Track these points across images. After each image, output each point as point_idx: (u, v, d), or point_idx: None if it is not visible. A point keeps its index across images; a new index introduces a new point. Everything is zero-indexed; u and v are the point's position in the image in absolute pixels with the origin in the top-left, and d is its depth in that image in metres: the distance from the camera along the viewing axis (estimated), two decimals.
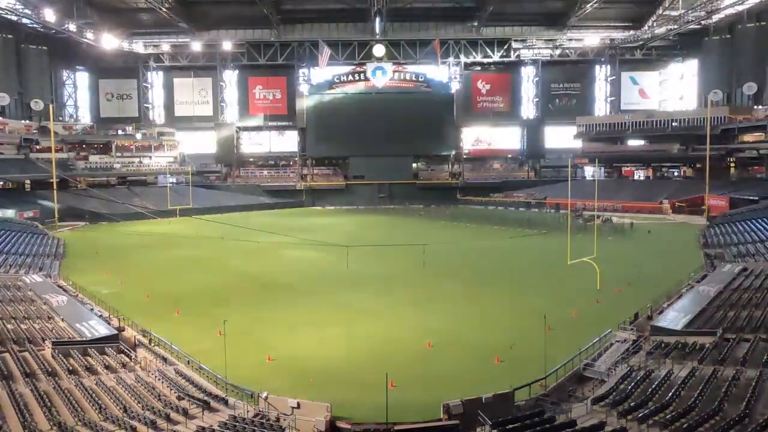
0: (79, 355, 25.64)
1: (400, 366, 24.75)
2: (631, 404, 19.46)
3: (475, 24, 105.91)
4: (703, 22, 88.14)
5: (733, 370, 21.80)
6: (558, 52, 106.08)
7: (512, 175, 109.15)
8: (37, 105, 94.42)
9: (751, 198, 71.08)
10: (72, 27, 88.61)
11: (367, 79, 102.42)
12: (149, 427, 18.71)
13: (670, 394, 19.94)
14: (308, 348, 27.88)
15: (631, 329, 28.97)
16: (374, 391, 21.46)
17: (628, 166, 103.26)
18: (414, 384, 22.95)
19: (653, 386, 20.88)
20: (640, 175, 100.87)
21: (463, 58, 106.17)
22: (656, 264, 46.21)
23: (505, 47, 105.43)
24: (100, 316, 32.01)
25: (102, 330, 28.71)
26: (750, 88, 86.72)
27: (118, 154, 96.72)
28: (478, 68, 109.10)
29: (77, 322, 29.95)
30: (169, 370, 24.75)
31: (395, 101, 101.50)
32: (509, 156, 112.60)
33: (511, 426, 18.55)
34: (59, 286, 39.78)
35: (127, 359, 25.85)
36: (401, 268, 45.72)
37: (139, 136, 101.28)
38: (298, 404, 20.02)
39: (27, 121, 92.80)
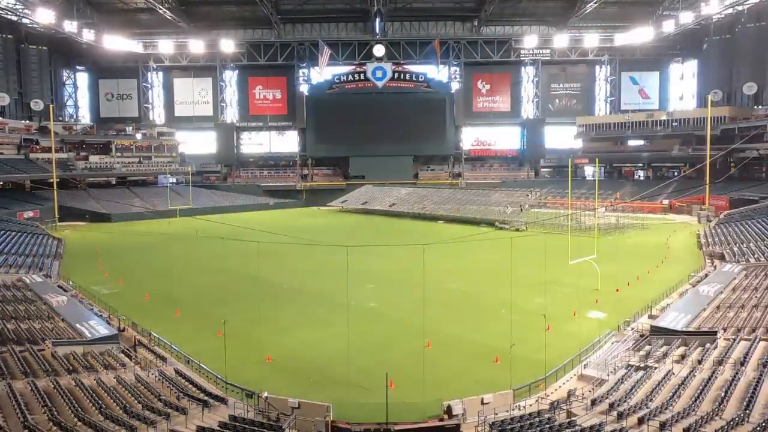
0: (79, 355, 25.66)
1: (400, 366, 24.76)
2: (631, 405, 19.45)
3: (475, 24, 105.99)
4: (702, 23, 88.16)
5: (733, 370, 21.81)
6: (558, 52, 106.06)
7: (512, 176, 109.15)
8: (37, 105, 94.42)
9: (751, 198, 71.12)
10: (72, 27, 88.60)
11: (367, 79, 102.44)
12: (149, 427, 18.71)
13: (670, 394, 19.95)
14: (308, 348, 27.89)
15: (631, 329, 28.99)
16: (374, 391, 21.47)
17: (628, 166, 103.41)
18: (414, 384, 22.93)
19: (653, 386, 20.88)
20: (640, 175, 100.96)
21: (463, 58, 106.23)
22: (656, 264, 46.20)
23: (505, 47, 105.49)
24: (100, 316, 32.03)
25: (102, 330, 28.74)
26: (750, 88, 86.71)
27: (118, 154, 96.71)
28: (478, 68, 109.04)
29: (77, 322, 29.97)
30: (169, 370, 24.75)
31: (395, 101, 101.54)
32: (509, 156, 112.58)
33: (511, 426, 18.57)
34: (59, 286, 39.79)
35: (127, 359, 25.86)
36: (401, 267, 45.71)
37: (139, 136, 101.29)
38: (299, 404, 20.01)
39: (27, 121, 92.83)
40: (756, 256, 44.49)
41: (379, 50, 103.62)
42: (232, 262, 49.16)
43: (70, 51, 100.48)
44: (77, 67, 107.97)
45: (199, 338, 28.84)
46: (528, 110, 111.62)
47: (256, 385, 21.95)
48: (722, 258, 46.06)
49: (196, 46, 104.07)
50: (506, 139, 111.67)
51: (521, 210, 58.82)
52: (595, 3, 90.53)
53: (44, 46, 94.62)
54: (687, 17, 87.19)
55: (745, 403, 18.29)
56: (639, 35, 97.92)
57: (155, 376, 23.76)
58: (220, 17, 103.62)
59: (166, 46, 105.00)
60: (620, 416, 18.66)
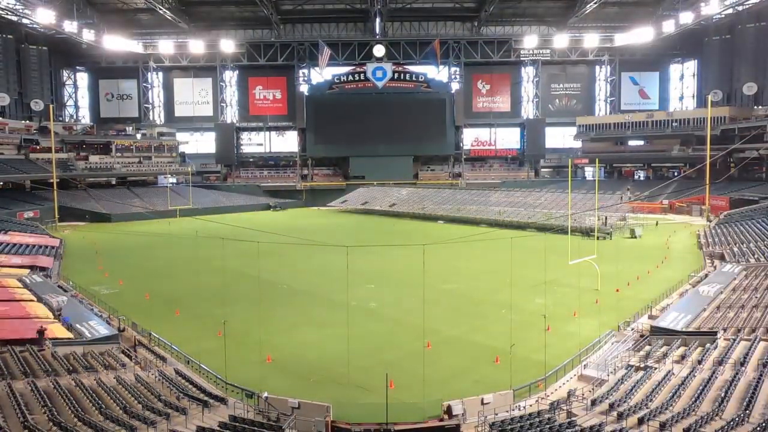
0: (79, 355, 25.65)
1: (399, 366, 24.76)
2: (631, 405, 19.45)
3: (475, 24, 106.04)
4: (702, 23, 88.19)
5: (733, 370, 21.81)
6: (558, 52, 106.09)
7: (512, 176, 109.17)
8: (37, 105, 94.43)
9: (751, 198, 71.13)
10: (72, 27, 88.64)
11: (367, 79, 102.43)
12: (149, 427, 18.71)
13: (670, 394, 19.94)
14: (308, 348, 27.89)
15: (631, 329, 28.99)
16: (374, 391, 21.46)
17: (628, 167, 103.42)
18: (414, 384, 22.92)
19: (653, 386, 20.87)
20: (640, 175, 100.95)
21: (463, 59, 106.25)
22: (656, 264, 46.20)
23: (505, 47, 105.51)
24: (100, 316, 32.03)
25: (102, 330, 28.74)
26: (750, 88, 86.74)
27: (118, 154, 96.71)
28: (478, 68, 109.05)
29: (77, 322, 29.95)
30: (169, 370, 24.75)
31: (395, 101, 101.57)
32: (509, 156, 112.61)
33: (511, 426, 18.56)
34: (59, 286, 39.78)
35: (127, 359, 25.85)
36: (401, 267, 45.71)
37: (139, 136, 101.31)
38: (299, 404, 20.02)
39: (27, 121, 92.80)
40: (756, 256, 44.50)
41: (379, 50, 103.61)
42: (232, 263, 49.09)
43: (70, 51, 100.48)
44: (77, 67, 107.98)
45: (199, 338, 28.80)
46: (528, 110, 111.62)
47: (256, 385, 21.94)
48: (722, 258, 46.07)
49: (196, 46, 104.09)
50: (506, 139, 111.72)
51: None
52: (595, 3, 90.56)
53: (44, 46, 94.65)
54: (687, 17, 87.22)
55: (745, 403, 18.29)
56: (639, 35, 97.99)
57: (155, 377, 23.75)
58: (220, 17, 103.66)
59: (166, 46, 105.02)
60: (620, 416, 18.66)
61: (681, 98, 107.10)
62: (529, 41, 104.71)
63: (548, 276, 38.04)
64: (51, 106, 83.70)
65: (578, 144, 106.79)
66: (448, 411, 19.77)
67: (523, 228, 67.84)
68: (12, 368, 23.49)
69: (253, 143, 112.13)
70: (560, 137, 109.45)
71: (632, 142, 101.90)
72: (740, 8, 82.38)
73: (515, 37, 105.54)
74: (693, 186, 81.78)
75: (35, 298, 35.07)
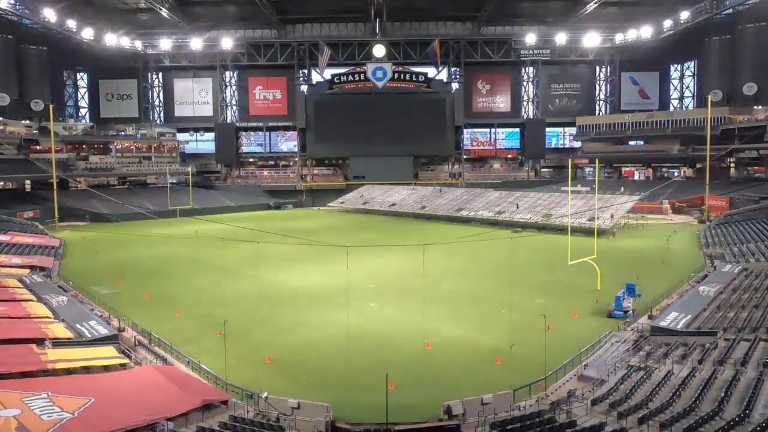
0: None
1: (399, 366, 24.76)
2: (631, 405, 19.45)
3: (475, 24, 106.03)
4: (703, 22, 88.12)
5: (733, 370, 21.81)
6: (558, 52, 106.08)
7: (512, 176, 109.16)
8: (37, 105, 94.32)
9: (752, 198, 71.14)
10: (72, 27, 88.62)
11: (367, 80, 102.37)
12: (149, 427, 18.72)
13: (670, 394, 19.94)
14: (308, 348, 27.90)
15: (631, 329, 29.01)
16: (374, 392, 21.46)
17: (628, 167, 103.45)
18: (414, 384, 22.95)
19: (653, 386, 20.87)
20: (640, 175, 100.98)
21: (463, 59, 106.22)
22: (656, 264, 46.21)
23: (505, 47, 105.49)
24: (100, 316, 32.03)
25: (102, 330, 28.72)
26: (750, 88, 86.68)
27: (118, 154, 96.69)
28: (478, 68, 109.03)
29: (77, 322, 29.95)
30: None
31: (395, 101, 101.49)
32: (509, 156, 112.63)
33: (511, 426, 18.56)
34: (59, 287, 39.79)
35: (127, 359, 25.84)
36: (401, 267, 45.71)
37: (139, 136, 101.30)
38: (299, 404, 20.02)
39: (27, 122, 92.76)
40: (756, 256, 44.49)
41: (379, 50, 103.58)
42: (232, 263, 49.14)
43: (70, 51, 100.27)
44: (77, 67, 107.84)
45: (199, 338, 28.84)
46: (528, 110, 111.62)
47: (256, 386, 21.96)
48: (722, 258, 46.06)
49: (196, 46, 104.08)
50: (506, 139, 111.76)
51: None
52: (596, 3, 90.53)
53: (44, 46, 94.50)
54: (687, 17, 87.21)
55: (745, 403, 18.29)
56: (639, 35, 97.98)
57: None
58: (219, 17, 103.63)
59: (166, 46, 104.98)
60: (620, 416, 18.67)
61: (681, 98, 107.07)
62: (529, 41, 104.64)
63: (548, 276, 38.06)
64: (51, 106, 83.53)
65: (578, 144, 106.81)
66: (448, 411, 19.76)
67: (524, 228, 68.00)
68: None
69: (253, 143, 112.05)
70: (560, 137, 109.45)
71: (632, 142, 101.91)
72: (740, 8, 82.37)
73: (515, 37, 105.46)
74: (693, 186, 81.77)
75: (35, 298, 35.12)
